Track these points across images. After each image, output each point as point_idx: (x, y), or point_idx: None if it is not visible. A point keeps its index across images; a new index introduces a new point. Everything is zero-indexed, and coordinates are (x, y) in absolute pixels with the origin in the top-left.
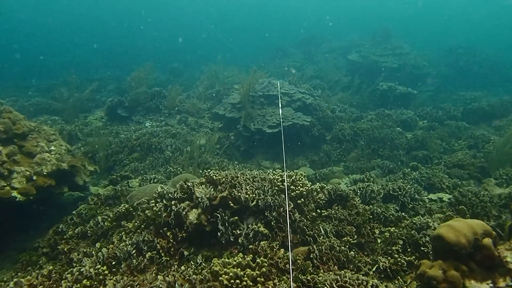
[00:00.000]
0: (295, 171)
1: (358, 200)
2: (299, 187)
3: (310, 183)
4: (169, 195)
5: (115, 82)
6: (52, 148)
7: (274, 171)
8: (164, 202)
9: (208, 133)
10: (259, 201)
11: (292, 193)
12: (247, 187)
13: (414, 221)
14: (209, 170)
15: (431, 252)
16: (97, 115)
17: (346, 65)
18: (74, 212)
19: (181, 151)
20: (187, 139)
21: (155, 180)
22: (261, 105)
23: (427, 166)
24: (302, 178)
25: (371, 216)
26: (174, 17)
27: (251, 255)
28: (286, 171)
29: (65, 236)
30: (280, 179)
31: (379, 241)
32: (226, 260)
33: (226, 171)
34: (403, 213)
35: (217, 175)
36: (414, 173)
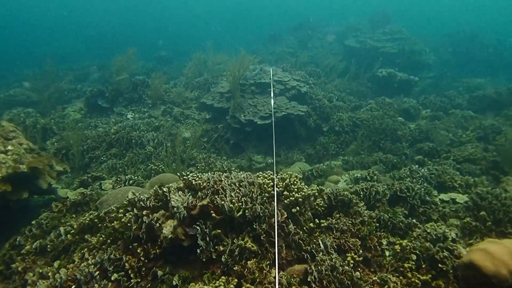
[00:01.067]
0: (289, 173)
1: (363, 206)
2: (293, 192)
3: (306, 187)
4: (141, 203)
5: (100, 71)
6: (9, 147)
7: (264, 173)
8: (135, 211)
9: (194, 125)
10: (246, 210)
11: (285, 200)
12: (232, 194)
13: (427, 231)
14: (187, 173)
15: (451, 271)
16: (76, 106)
17: (343, 51)
18: (33, 222)
19: (164, 145)
20: (171, 132)
21: (131, 181)
22: (252, 94)
23: (435, 161)
24: (297, 182)
25: (378, 224)
26: (163, 5)
27: (236, 280)
28: (279, 171)
29: (22, 251)
30: (272, 183)
31: (387, 253)
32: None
33: (208, 174)
34: (414, 220)
35: (196, 179)
36: (423, 170)
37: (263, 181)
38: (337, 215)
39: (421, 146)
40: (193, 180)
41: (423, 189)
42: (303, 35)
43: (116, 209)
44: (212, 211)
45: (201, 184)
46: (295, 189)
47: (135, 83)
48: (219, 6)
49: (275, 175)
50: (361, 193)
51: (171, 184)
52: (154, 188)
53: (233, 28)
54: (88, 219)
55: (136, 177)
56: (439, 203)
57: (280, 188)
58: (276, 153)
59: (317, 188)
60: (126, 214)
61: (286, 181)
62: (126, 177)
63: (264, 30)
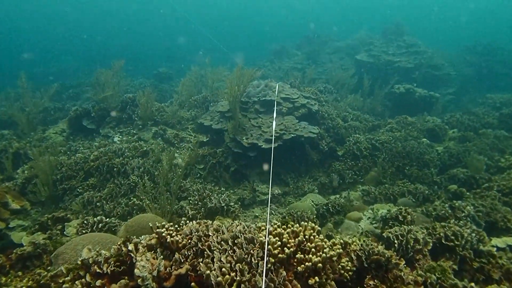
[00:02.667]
0: (302, 223)
1: (405, 267)
2: (311, 254)
3: (327, 242)
4: (96, 268)
5: (94, 89)
6: None
7: (270, 224)
8: (88, 279)
9: (189, 149)
10: (242, 285)
11: (298, 267)
12: (223, 258)
13: None
14: (162, 224)
15: None
16: (58, 128)
17: (354, 66)
18: None
19: (152, 175)
20: (161, 158)
21: (101, 224)
22: (256, 113)
23: (475, 192)
24: (314, 236)
25: None
26: (165, 20)
27: None
28: (287, 204)
29: None
30: (279, 242)
31: None
32: None
33: (191, 225)
34: (472, 284)
35: (173, 233)
36: (468, 207)
37: (268, 238)
38: (371, 283)
39: (454, 173)
40: (169, 236)
41: (474, 234)
42: (311, 50)
43: (66, 271)
44: (192, 283)
45: (180, 241)
46: (312, 248)
47: (124, 101)
48: (220, 20)
49: (267, 223)
50: (395, 241)
51: (141, 238)
52: (118, 243)
53: (236, 43)
54: (25, 286)
55: (108, 220)
56: (496, 255)
57: (291, 248)
58: (283, 182)
59: (341, 241)
60: (76, 282)
61: (299, 237)
62: (95, 219)
63: (270, 45)
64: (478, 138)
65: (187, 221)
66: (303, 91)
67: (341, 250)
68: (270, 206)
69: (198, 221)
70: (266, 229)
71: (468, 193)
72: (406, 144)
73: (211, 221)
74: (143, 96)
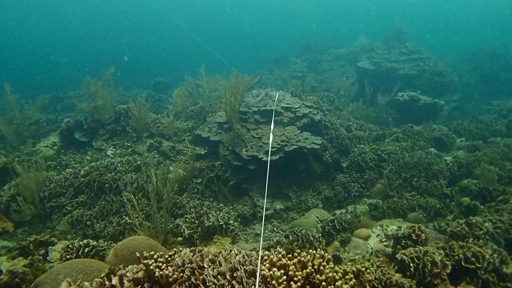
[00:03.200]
0: (311, 252)
1: None
2: None
3: (339, 270)
4: None
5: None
6: None
7: (276, 252)
8: None
9: (186, 163)
10: None
11: None
12: None
13: None
14: (151, 254)
15: None
16: (49, 141)
17: (356, 73)
18: None
19: (145, 191)
20: (157, 173)
21: (87, 249)
22: (256, 123)
23: (489, 206)
24: (324, 265)
25: None
26: (161, 28)
27: None
28: (290, 220)
29: None
30: (284, 276)
31: None
32: None
33: (184, 254)
34: None
35: (163, 266)
36: (487, 224)
37: (270, 272)
38: None
39: (465, 185)
40: (157, 269)
41: (495, 255)
42: (311, 58)
43: None
44: None
45: (171, 274)
46: (323, 282)
47: (118, 113)
48: (218, 30)
49: (260, 249)
50: (411, 264)
51: (127, 269)
52: (101, 276)
53: (234, 52)
54: None
55: (95, 243)
56: None
57: (299, 282)
58: (285, 196)
59: (353, 269)
60: None
61: (307, 269)
62: (81, 243)
63: (269, 54)
64: (487, 147)
65: (180, 249)
66: (304, 100)
67: (354, 280)
68: (272, 222)
69: (192, 248)
70: (259, 250)
71: (482, 207)
72: (414, 155)
73: (207, 249)
74: (135, 107)
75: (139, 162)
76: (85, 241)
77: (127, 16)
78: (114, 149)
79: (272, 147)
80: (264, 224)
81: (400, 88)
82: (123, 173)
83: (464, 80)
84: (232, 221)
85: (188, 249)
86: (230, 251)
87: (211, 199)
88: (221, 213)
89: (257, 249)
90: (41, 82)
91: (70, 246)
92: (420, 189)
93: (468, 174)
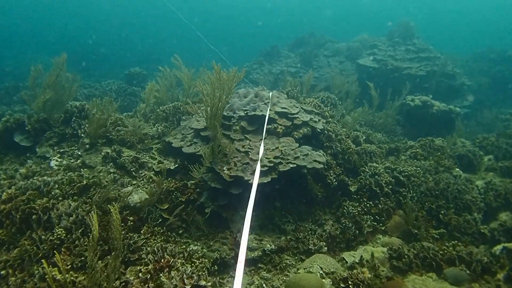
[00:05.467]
0: None
1: None
2: None
3: None
4: None
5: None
6: None
7: None
8: None
9: (150, 181)
10: None
11: None
12: None
13: None
14: None
15: None
16: None
17: (356, 72)
18: None
19: (87, 226)
20: (109, 197)
21: None
22: (242, 132)
23: None
24: None
25: None
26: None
27: None
28: (286, 273)
29: None
30: None
31: None
32: None
33: None
34: None
35: None
36: None
37: None
38: None
39: (509, 223)
40: None
41: None
42: (306, 52)
43: None
44: None
45: None
46: None
47: (70, 111)
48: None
49: None
50: None
51: None
52: None
53: (221, 41)
54: None
55: None
56: None
57: None
58: (278, 228)
59: None
60: None
61: None
62: None
63: (259, 45)
64: None
65: None
66: (303, 103)
67: None
68: (259, 271)
69: None
70: None
71: None
72: (439, 179)
73: None
74: (96, 106)
75: (85, 182)
76: None
77: None
78: (60, 159)
79: (262, 166)
80: (250, 273)
81: (408, 91)
82: (61, 198)
83: (475, 83)
84: (205, 282)
85: None
86: None
87: (180, 232)
88: (190, 269)
89: None
90: (12, 70)
91: None
92: (449, 225)
93: (507, 205)
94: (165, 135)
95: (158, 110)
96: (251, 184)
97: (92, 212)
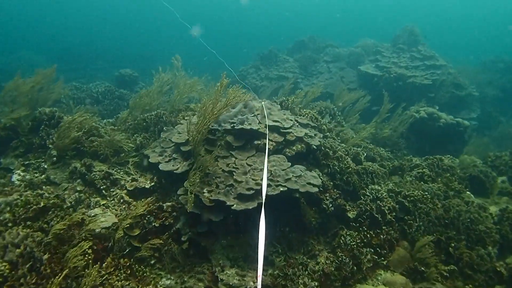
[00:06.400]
0: None
1: None
2: None
3: None
4: None
5: None
6: None
7: None
8: None
9: (121, 202)
10: None
11: None
12: None
13: None
14: None
15: None
16: None
17: (358, 79)
18: None
19: (40, 260)
20: (74, 221)
21: None
22: (227, 149)
23: None
24: None
25: None
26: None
27: None
28: None
29: None
30: None
31: None
32: None
33: None
34: None
35: None
36: None
37: None
38: None
39: None
40: None
41: None
42: (305, 56)
43: None
44: None
45: None
46: None
47: (38, 119)
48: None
49: None
50: None
51: None
52: None
53: (216, 43)
54: None
55: None
56: None
57: None
58: (266, 260)
59: None
60: None
61: None
62: None
63: (255, 49)
64: None
65: None
66: (298, 115)
67: None
68: None
69: None
70: None
71: None
72: (449, 205)
73: None
74: (66, 113)
75: (42, 204)
76: None
77: None
78: (23, 173)
79: (248, 188)
80: None
81: (410, 100)
82: (10, 224)
83: (481, 94)
84: None
85: None
86: None
87: (152, 263)
88: None
89: None
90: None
91: None
92: (461, 260)
93: None
94: (144, 147)
95: (138, 118)
96: (236, 211)
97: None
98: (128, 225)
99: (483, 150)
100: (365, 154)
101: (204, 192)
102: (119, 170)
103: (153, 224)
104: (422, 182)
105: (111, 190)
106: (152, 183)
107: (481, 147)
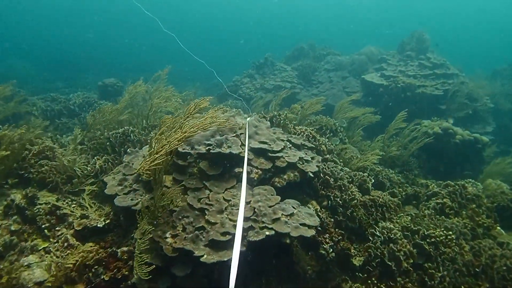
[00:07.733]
0: None
1: None
2: None
3: None
4: None
5: None
6: None
7: None
8: None
9: (66, 245)
10: None
11: None
12: None
13: None
14: None
15: None
16: None
17: (362, 89)
18: None
19: None
20: None
21: None
22: (200, 178)
23: None
24: None
25: None
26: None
27: None
28: None
29: None
30: None
31: None
32: None
33: None
34: None
35: None
36: None
37: None
38: None
39: None
40: None
41: None
42: (304, 65)
43: None
44: None
45: None
46: None
47: None
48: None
49: None
50: None
51: None
52: None
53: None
54: None
55: None
56: None
57: None
58: None
59: None
60: None
61: None
62: None
63: (253, 56)
64: None
65: None
66: (292, 134)
67: None
68: None
69: None
70: None
71: None
72: (479, 248)
73: None
74: (7, 130)
75: None
76: None
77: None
78: None
79: (223, 233)
80: None
81: (420, 111)
82: None
83: (496, 106)
84: None
85: None
86: None
87: None
88: None
89: None
90: None
91: None
92: None
93: None
94: (105, 173)
95: (101, 137)
96: (207, 264)
97: None
98: (67, 280)
99: (505, 171)
100: (373, 181)
101: (166, 237)
102: (70, 202)
103: (102, 277)
104: (443, 217)
105: (57, 228)
106: (108, 221)
107: (502, 166)
